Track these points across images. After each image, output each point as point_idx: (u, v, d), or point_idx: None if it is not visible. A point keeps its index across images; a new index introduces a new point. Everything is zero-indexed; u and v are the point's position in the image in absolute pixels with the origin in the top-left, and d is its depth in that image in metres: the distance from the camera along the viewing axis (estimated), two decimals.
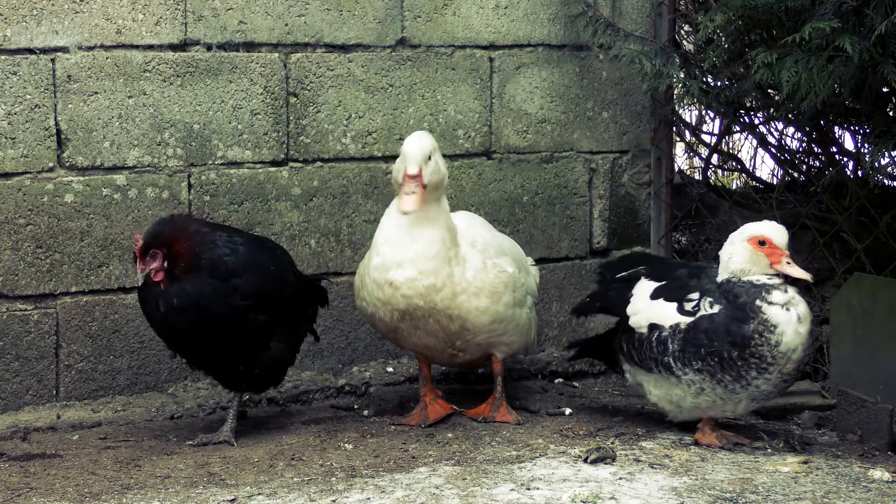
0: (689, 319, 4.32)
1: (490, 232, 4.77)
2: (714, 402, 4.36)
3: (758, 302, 4.21)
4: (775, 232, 4.27)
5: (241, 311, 4.31)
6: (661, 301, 4.40)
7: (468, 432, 4.59)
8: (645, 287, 4.49)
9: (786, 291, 4.24)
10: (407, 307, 4.43)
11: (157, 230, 4.28)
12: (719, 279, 4.34)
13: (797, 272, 4.24)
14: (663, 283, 4.46)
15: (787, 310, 4.20)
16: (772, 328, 4.18)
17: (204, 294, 4.24)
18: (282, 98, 5.11)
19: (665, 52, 5.43)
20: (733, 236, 4.35)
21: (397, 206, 4.41)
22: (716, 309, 4.28)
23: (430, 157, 4.38)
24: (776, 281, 4.25)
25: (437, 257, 4.40)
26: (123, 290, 4.89)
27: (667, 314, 4.37)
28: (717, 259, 4.45)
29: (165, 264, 4.23)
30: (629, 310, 4.49)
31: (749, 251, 4.27)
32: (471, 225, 4.67)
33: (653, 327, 4.40)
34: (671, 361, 4.34)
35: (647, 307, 4.43)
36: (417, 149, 4.36)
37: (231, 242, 4.37)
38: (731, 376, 4.25)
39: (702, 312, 4.30)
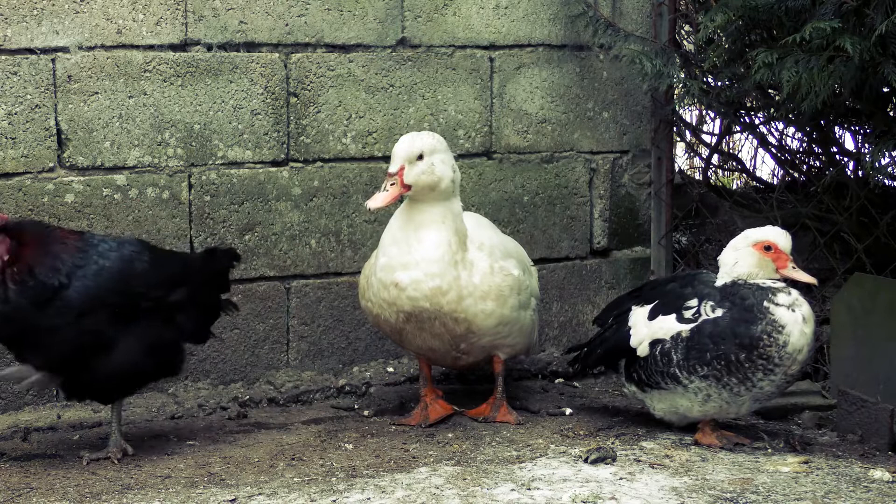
0: (690, 326, 4.31)
1: (496, 234, 4.77)
2: (720, 406, 4.37)
3: (765, 303, 4.21)
4: (780, 237, 4.30)
5: (64, 326, 4.05)
6: (659, 317, 4.40)
7: (469, 432, 4.59)
8: (640, 314, 4.49)
9: (790, 293, 4.25)
10: (412, 309, 4.42)
11: (23, 224, 4.13)
12: (720, 283, 4.34)
13: (804, 277, 4.27)
14: (656, 301, 4.46)
15: (793, 311, 4.21)
16: (780, 328, 4.19)
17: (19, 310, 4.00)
18: (282, 98, 5.11)
19: (665, 53, 5.43)
20: (736, 241, 4.35)
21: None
22: (719, 312, 4.28)
23: (420, 157, 4.36)
24: (780, 284, 4.27)
25: (443, 260, 4.39)
26: None
27: (667, 327, 4.36)
28: (714, 262, 4.46)
29: (5, 258, 4.01)
30: (633, 342, 4.46)
31: (756, 256, 4.28)
32: (478, 227, 4.66)
33: (654, 343, 4.39)
34: (677, 372, 4.33)
35: (648, 331, 4.43)
36: (402, 148, 4.36)
37: (87, 259, 4.11)
38: (738, 378, 4.25)
39: (704, 317, 4.30)
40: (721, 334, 4.25)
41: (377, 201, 4.32)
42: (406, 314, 4.45)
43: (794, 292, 4.27)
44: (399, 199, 4.44)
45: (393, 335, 4.64)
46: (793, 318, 4.21)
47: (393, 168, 4.35)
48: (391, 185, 4.33)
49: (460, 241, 4.47)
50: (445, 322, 4.46)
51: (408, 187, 4.34)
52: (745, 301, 4.25)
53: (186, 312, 4.33)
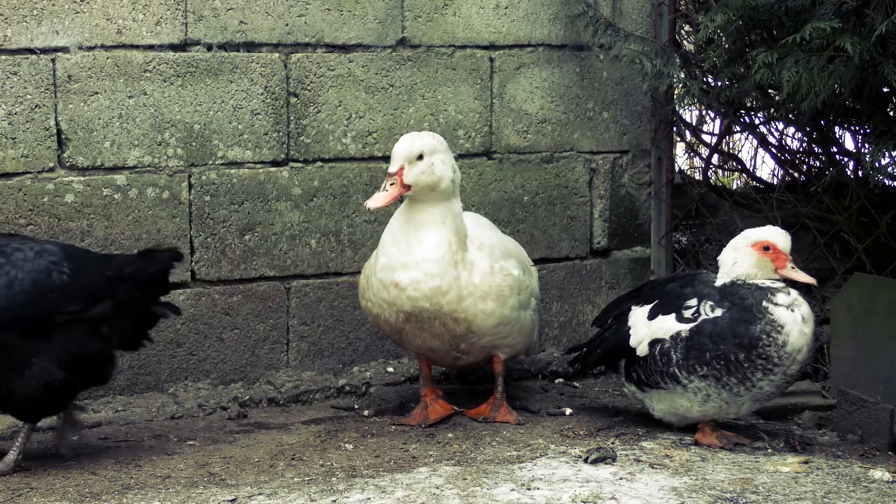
0: (689, 326, 4.32)
1: (496, 234, 4.77)
2: (720, 406, 4.37)
3: (764, 303, 4.22)
4: (779, 237, 4.30)
5: None
6: (659, 317, 4.40)
7: (469, 432, 4.59)
8: (640, 313, 4.49)
9: (789, 293, 4.26)
10: (412, 309, 4.42)
11: None
12: (719, 283, 4.35)
13: (803, 277, 4.28)
14: (656, 301, 4.46)
15: (792, 311, 4.22)
16: (779, 328, 4.19)
17: None
18: (282, 98, 5.11)
19: (665, 53, 5.43)
20: (735, 241, 4.36)
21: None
22: (718, 312, 4.28)
23: (420, 157, 4.36)
24: (779, 284, 4.27)
25: (443, 260, 4.39)
26: None
27: (667, 326, 4.36)
28: (714, 262, 4.46)
29: None
30: (632, 342, 4.46)
31: (755, 256, 4.28)
32: (478, 227, 4.66)
33: (654, 343, 4.39)
34: (676, 371, 4.33)
35: (648, 331, 4.43)
36: (401, 148, 4.37)
37: None
38: (737, 378, 4.25)
39: (703, 317, 4.30)
40: (720, 334, 4.25)
41: (377, 201, 4.32)
42: (406, 314, 4.45)
43: (794, 292, 4.27)
44: (399, 199, 4.45)
45: (393, 335, 4.64)
46: (792, 318, 4.21)
47: (393, 168, 4.35)
48: (391, 184, 4.34)
49: (460, 242, 4.47)
50: (445, 322, 4.46)
51: (407, 187, 4.35)
52: (744, 301, 4.25)
53: (113, 323, 4.12)
